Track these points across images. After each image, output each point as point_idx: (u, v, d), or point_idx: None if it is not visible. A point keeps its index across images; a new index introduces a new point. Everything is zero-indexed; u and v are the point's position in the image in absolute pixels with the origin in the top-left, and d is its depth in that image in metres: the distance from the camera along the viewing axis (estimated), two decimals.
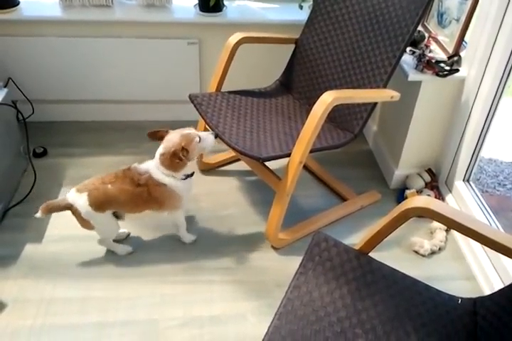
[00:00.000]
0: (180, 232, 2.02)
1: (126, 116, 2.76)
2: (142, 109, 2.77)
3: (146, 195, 1.78)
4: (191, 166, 1.84)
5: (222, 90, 2.20)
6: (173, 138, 1.77)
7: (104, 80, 2.62)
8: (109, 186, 1.75)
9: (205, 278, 1.89)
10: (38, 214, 1.74)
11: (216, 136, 1.86)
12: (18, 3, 2.40)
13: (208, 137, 1.83)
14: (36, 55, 2.49)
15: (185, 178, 1.84)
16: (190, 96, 2.09)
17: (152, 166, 1.80)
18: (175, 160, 1.74)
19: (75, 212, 1.77)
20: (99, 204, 1.75)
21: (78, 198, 1.75)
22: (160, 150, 1.79)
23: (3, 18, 2.35)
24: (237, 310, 1.78)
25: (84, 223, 1.80)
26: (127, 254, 1.97)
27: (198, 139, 1.79)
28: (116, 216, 1.86)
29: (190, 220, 2.14)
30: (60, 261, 1.93)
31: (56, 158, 2.47)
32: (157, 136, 1.80)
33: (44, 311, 1.74)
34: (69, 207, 1.76)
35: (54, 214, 2.10)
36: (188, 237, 2.04)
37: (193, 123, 2.28)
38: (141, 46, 2.51)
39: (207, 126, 2.04)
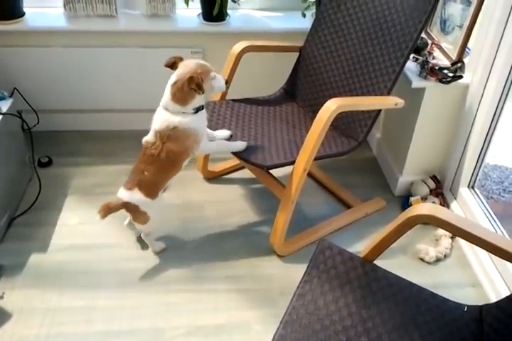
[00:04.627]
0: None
1: (130, 125, 2.76)
2: (147, 118, 2.74)
3: (164, 155, 1.74)
4: (200, 100, 1.72)
5: (226, 98, 2.21)
6: (189, 64, 1.67)
7: (108, 90, 2.63)
8: (146, 173, 1.77)
9: (210, 287, 1.89)
10: (99, 218, 1.76)
11: (226, 82, 1.78)
12: (23, 14, 2.42)
13: (220, 78, 1.75)
14: (41, 65, 2.51)
15: (196, 112, 1.73)
16: None
17: (156, 124, 1.79)
18: (190, 87, 1.63)
19: (131, 208, 1.80)
20: (152, 191, 1.80)
21: (132, 194, 1.78)
22: (172, 79, 1.68)
23: (9, 29, 2.37)
24: (242, 319, 1.77)
25: (141, 216, 1.83)
26: (161, 251, 2.01)
27: (213, 74, 1.71)
28: None
29: (194, 228, 2.14)
30: (66, 270, 1.93)
31: (61, 168, 2.47)
32: (171, 65, 1.72)
33: (49, 320, 1.74)
34: (125, 205, 1.80)
35: (59, 224, 2.12)
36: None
37: None
38: (146, 56, 2.52)
39: None
